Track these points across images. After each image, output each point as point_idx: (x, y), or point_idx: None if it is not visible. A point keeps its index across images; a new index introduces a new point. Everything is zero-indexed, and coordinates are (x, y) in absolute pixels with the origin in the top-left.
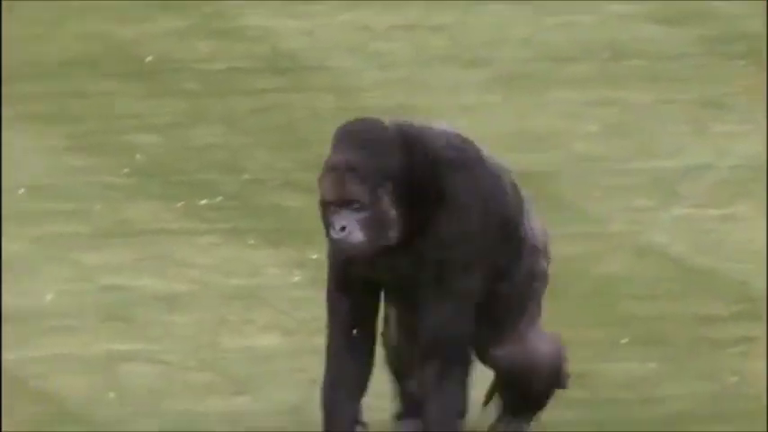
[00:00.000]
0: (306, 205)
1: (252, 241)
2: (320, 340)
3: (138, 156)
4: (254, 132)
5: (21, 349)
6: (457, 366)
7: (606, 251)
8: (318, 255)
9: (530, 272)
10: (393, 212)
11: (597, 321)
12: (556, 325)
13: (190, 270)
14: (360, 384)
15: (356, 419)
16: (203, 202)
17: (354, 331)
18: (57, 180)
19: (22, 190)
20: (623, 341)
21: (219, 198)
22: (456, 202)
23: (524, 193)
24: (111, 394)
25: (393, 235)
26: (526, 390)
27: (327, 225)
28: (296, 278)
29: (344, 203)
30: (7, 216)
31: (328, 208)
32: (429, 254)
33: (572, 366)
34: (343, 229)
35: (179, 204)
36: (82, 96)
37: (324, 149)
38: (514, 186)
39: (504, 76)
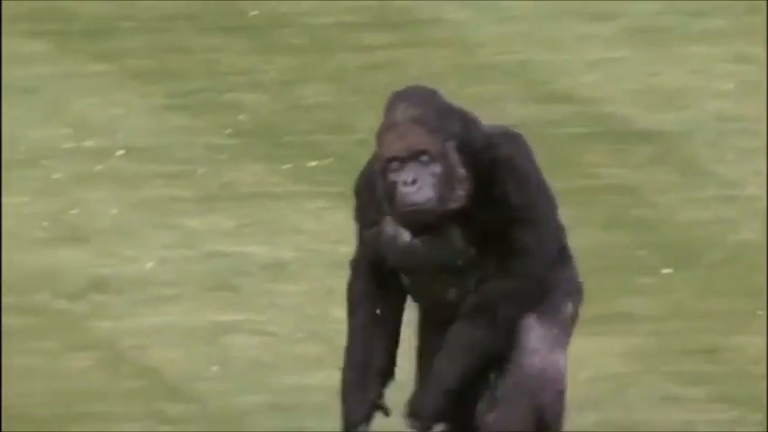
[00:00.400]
0: None
1: None
2: None
3: (242, 115)
4: (365, 91)
5: (119, 320)
6: (500, 333)
7: (740, 217)
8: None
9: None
10: (462, 170)
11: (731, 291)
12: (686, 295)
13: (297, 236)
14: (381, 369)
15: (376, 404)
16: (312, 164)
17: (378, 311)
18: (158, 141)
19: (121, 151)
20: (759, 312)
21: (329, 160)
22: (519, 167)
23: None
24: (215, 367)
25: (462, 194)
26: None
27: (389, 188)
28: None
29: (412, 156)
30: (106, 179)
31: (389, 167)
32: (491, 226)
33: (702, 340)
34: (414, 182)
35: (286, 166)
36: (184, 52)
37: None
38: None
39: (632, 30)
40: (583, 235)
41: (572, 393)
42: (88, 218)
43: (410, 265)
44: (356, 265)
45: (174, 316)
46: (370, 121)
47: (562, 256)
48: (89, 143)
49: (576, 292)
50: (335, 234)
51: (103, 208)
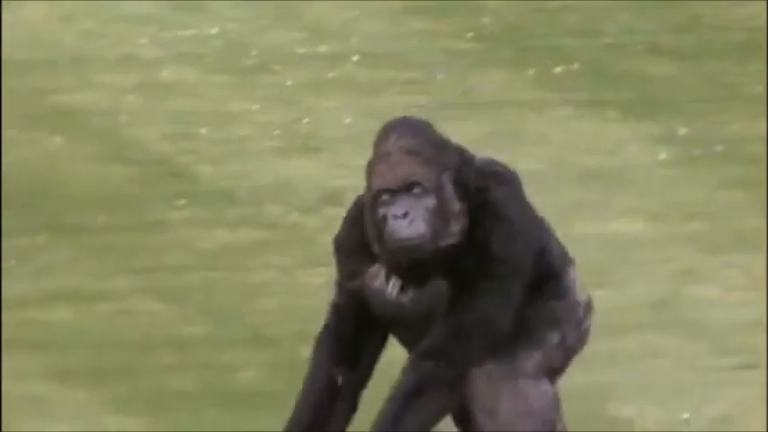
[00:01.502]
0: (674, 73)
1: (612, 114)
2: (692, 227)
3: (485, 18)
4: None
5: None
6: (445, 382)
7: None
8: (687, 129)
9: (550, 309)
10: (457, 205)
11: None
12: None
13: (542, 146)
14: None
15: None
16: (558, 69)
17: (340, 378)
18: (394, 46)
19: (355, 57)
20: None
21: (576, 65)
22: (506, 215)
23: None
24: None
25: (457, 230)
26: None
27: (379, 223)
28: (662, 156)
29: (404, 187)
30: (340, 86)
31: (380, 200)
32: (473, 274)
33: None
34: (405, 215)
35: (530, 72)
36: None
37: (696, 10)
38: None
39: None
40: None
41: None
42: (321, 127)
43: (397, 319)
44: (326, 324)
45: None
46: (621, 23)
47: (552, 284)
48: (323, 48)
49: (565, 321)
50: (583, 143)
51: (337, 116)
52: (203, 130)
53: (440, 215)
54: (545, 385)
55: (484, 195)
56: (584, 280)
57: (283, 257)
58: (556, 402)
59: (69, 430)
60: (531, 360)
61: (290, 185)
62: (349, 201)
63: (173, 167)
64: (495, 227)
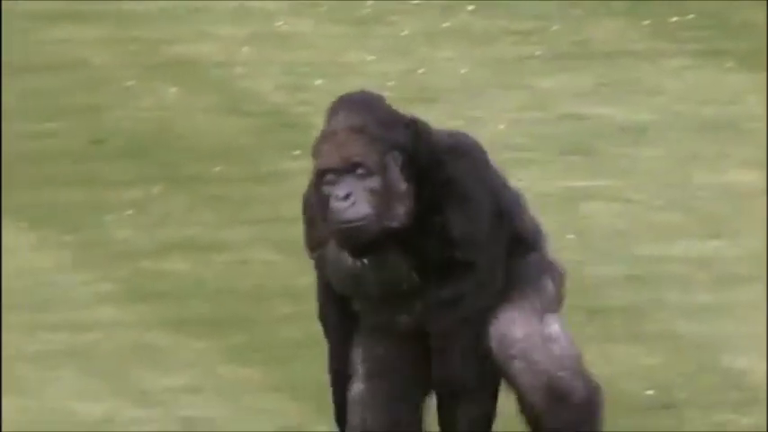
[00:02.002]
0: None
1: (729, 64)
2: None
3: None
4: None
5: None
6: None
7: None
8: None
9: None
10: (404, 185)
11: None
12: None
13: (658, 97)
14: None
15: None
16: (673, 19)
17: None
18: None
19: (471, 7)
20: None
21: (691, 15)
22: (465, 193)
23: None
24: (570, 236)
25: (402, 212)
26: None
27: (323, 203)
28: None
29: (348, 168)
30: (455, 36)
31: (323, 179)
32: (433, 253)
33: None
34: (347, 197)
35: (646, 22)
36: None
37: None
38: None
39: None
40: None
41: None
42: (436, 77)
43: (355, 291)
44: (323, 287)
45: (526, 181)
46: None
47: (529, 241)
48: None
49: (551, 269)
50: (699, 94)
51: (452, 67)
52: (318, 81)
53: (383, 197)
54: (558, 325)
55: (440, 172)
56: (699, 230)
57: None
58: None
59: (185, 380)
60: (538, 303)
61: None
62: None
63: (288, 118)
64: (454, 207)
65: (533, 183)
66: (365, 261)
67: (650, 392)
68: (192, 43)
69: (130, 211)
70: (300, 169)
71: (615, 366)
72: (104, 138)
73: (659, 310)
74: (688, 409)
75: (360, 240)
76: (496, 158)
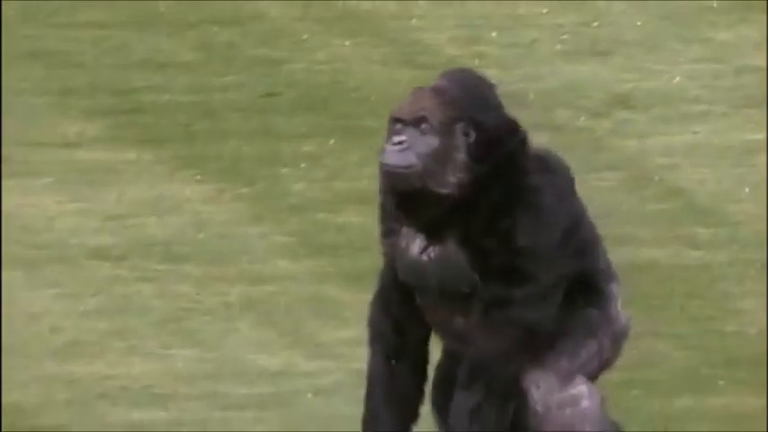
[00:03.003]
0: None
1: None
2: None
3: None
4: None
5: (645, 138)
6: (498, 398)
7: None
8: None
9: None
10: (462, 157)
11: None
12: None
13: None
14: (407, 412)
15: None
16: None
17: (393, 361)
18: None
19: None
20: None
21: None
22: (541, 204)
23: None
24: (747, 189)
25: (452, 181)
26: None
27: (384, 148)
28: None
29: (413, 122)
30: None
31: (392, 128)
32: (495, 257)
33: None
34: (401, 143)
35: None
36: None
37: None
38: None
39: None
40: None
41: None
42: (611, 30)
43: (417, 283)
44: (378, 287)
45: (703, 134)
46: None
47: (593, 289)
48: None
49: (603, 332)
50: None
51: (628, 19)
52: (493, 34)
53: (438, 158)
54: (586, 386)
55: (521, 178)
56: None
57: (572, 161)
58: (602, 403)
59: (359, 332)
60: (570, 366)
61: (579, 89)
62: (638, 105)
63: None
64: (522, 215)
65: (710, 136)
66: (431, 255)
67: None
68: None
69: (305, 164)
70: None
71: None
72: (280, 91)
73: None
74: None
75: (399, 187)
76: (673, 112)
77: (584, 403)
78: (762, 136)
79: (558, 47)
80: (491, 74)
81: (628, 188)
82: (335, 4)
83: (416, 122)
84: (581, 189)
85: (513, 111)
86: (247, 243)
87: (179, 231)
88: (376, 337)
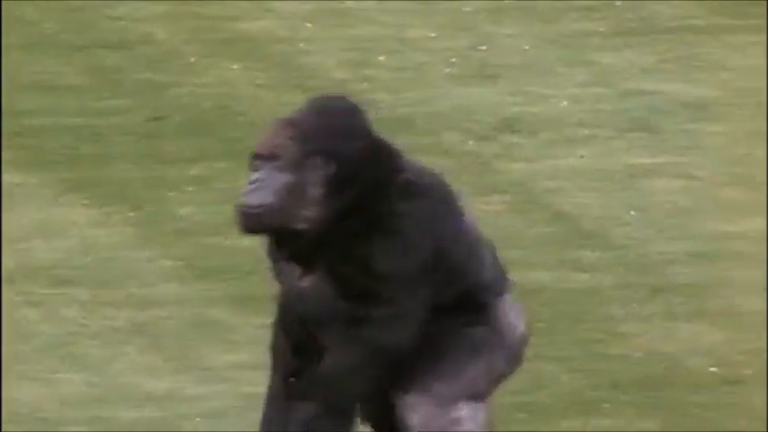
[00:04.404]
0: None
1: None
2: None
3: None
4: None
5: (532, 162)
6: (334, 414)
7: None
8: None
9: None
10: (318, 191)
11: None
12: None
13: (721, 73)
14: None
15: None
16: None
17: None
18: None
19: None
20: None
21: None
22: (398, 230)
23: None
24: (633, 213)
25: (309, 218)
26: None
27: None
28: None
29: (268, 157)
30: (517, 12)
31: (252, 164)
32: (355, 284)
33: None
34: (255, 182)
35: None
36: None
37: None
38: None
39: None
40: None
41: None
42: (499, 54)
43: (297, 310)
44: (277, 311)
45: (589, 158)
46: None
47: (477, 306)
48: None
49: (491, 349)
50: (762, 71)
51: (515, 43)
52: (381, 58)
53: (292, 194)
54: (468, 409)
55: (382, 204)
56: (763, 207)
57: (460, 184)
58: (489, 424)
59: (248, 356)
60: (451, 389)
61: (466, 112)
62: (525, 128)
63: (350, 95)
64: (380, 241)
65: (596, 159)
66: (305, 283)
67: (714, 369)
68: (255, 19)
69: (192, 188)
70: None
71: (679, 344)
72: (166, 114)
73: (723, 287)
74: (753, 385)
75: (253, 228)
76: (559, 135)
77: (467, 426)
78: (648, 160)
79: (447, 70)
80: (379, 97)
81: (515, 211)
82: (223, 27)
83: (270, 159)
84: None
85: (400, 135)
86: (135, 267)
87: (66, 255)
88: (277, 361)
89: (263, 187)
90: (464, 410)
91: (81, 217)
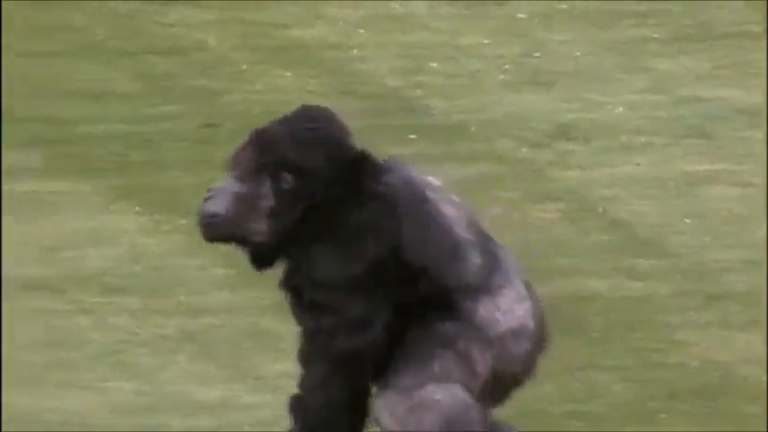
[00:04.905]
0: None
1: None
2: None
3: None
4: None
5: (586, 169)
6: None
7: None
8: None
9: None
10: (268, 204)
11: None
12: None
13: None
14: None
15: None
16: None
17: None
18: None
19: None
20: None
21: None
22: (342, 236)
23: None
24: (688, 220)
25: (262, 230)
26: None
27: None
28: None
29: (231, 167)
30: (572, 18)
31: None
32: (305, 294)
33: None
34: (213, 192)
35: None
36: None
37: None
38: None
39: None
40: None
41: None
42: (553, 60)
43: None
44: None
45: (644, 165)
46: None
47: (446, 305)
48: None
49: (464, 340)
50: None
51: (569, 50)
52: (434, 64)
53: (245, 206)
54: (437, 386)
55: (332, 212)
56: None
57: (513, 192)
58: (472, 406)
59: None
60: (417, 380)
61: (520, 119)
62: (580, 135)
63: (403, 101)
64: (322, 250)
65: (652, 167)
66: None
67: None
68: (308, 26)
69: None
70: (416, 152)
71: (734, 353)
72: (219, 121)
73: None
74: None
75: (211, 236)
76: (615, 143)
77: (437, 396)
78: (703, 167)
79: (500, 77)
80: (433, 104)
81: (569, 219)
82: (274, 34)
83: (232, 168)
84: (523, 220)
85: (454, 142)
86: (185, 275)
87: (116, 263)
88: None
89: (218, 196)
90: (431, 387)
91: (132, 225)
